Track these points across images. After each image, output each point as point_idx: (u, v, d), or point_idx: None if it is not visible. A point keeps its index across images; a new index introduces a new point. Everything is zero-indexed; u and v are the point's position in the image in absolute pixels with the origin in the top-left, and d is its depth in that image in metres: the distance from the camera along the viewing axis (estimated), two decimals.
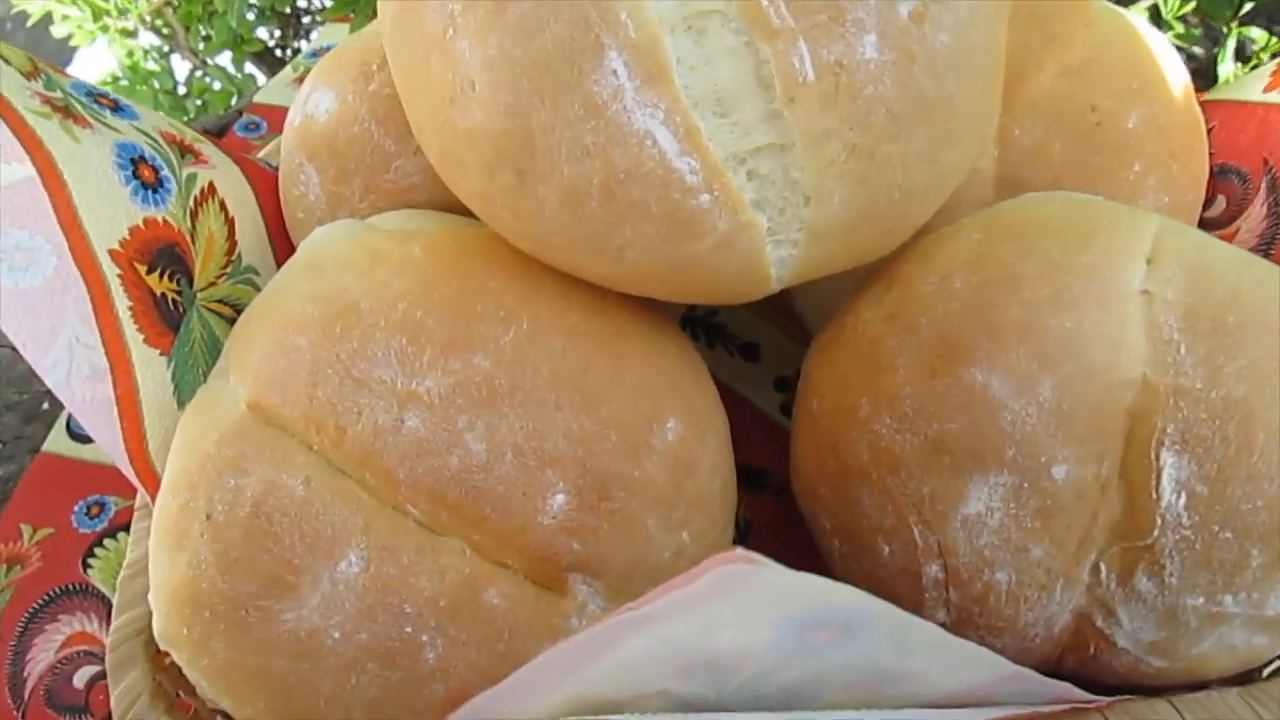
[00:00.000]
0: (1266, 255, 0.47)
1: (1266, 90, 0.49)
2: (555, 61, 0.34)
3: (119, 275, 0.43)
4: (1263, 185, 0.48)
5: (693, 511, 0.40)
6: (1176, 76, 0.48)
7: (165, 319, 0.45)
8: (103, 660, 0.48)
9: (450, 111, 0.37)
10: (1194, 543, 0.36)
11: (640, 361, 0.40)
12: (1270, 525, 0.35)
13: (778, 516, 0.53)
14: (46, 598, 0.57)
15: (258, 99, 0.74)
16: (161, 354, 0.44)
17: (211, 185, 0.50)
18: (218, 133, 0.72)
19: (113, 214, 0.43)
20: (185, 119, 0.96)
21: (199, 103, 1.03)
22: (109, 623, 0.49)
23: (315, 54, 0.79)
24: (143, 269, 0.44)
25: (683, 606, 0.29)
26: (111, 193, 0.44)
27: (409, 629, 0.37)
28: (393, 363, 0.38)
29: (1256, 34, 0.65)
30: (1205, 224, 0.50)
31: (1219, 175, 0.51)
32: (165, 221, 0.46)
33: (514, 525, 0.37)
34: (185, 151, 0.50)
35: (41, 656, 0.55)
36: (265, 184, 0.54)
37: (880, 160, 0.36)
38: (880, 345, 0.39)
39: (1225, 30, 0.66)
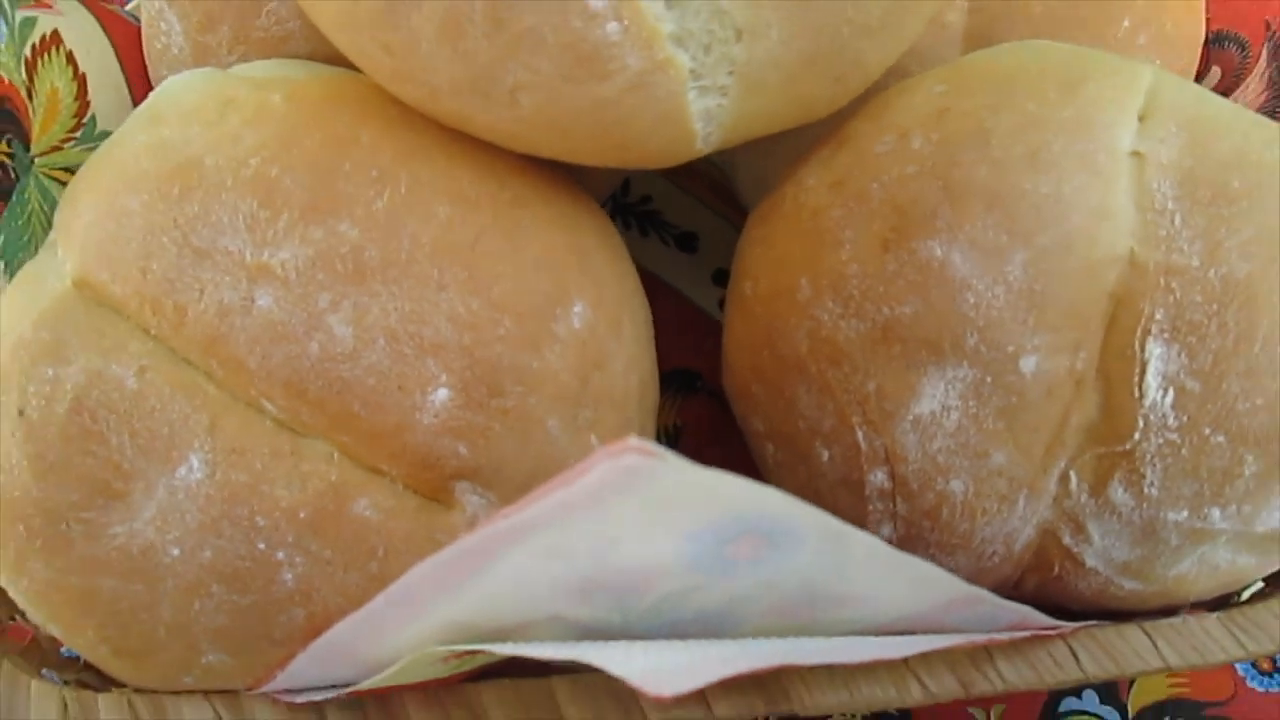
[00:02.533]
0: None
1: None
2: None
3: None
4: (1263, 52, 0.43)
5: (603, 411, 0.34)
6: None
7: None
8: None
9: None
10: (1180, 448, 0.31)
11: (542, 233, 0.34)
12: (1270, 428, 0.30)
13: (713, 421, 0.47)
14: None
15: None
16: None
17: (56, 34, 0.43)
18: None
19: None
20: None
21: None
22: None
23: None
24: None
25: (570, 512, 0.23)
26: None
27: (262, 545, 0.31)
28: (241, 230, 0.31)
29: None
30: None
31: (1214, 44, 0.45)
32: None
33: (388, 424, 0.32)
34: None
35: None
36: (129, 39, 0.47)
37: None
38: (824, 217, 0.34)
39: None
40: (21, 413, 0.31)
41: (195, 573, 0.31)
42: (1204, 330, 0.30)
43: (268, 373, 0.31)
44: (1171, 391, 0.30)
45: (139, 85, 0.46)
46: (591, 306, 0.34)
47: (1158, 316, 0.30)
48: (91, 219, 0.33)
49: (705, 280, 0.51)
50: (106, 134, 0.44)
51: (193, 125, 0.33)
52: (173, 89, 0.36)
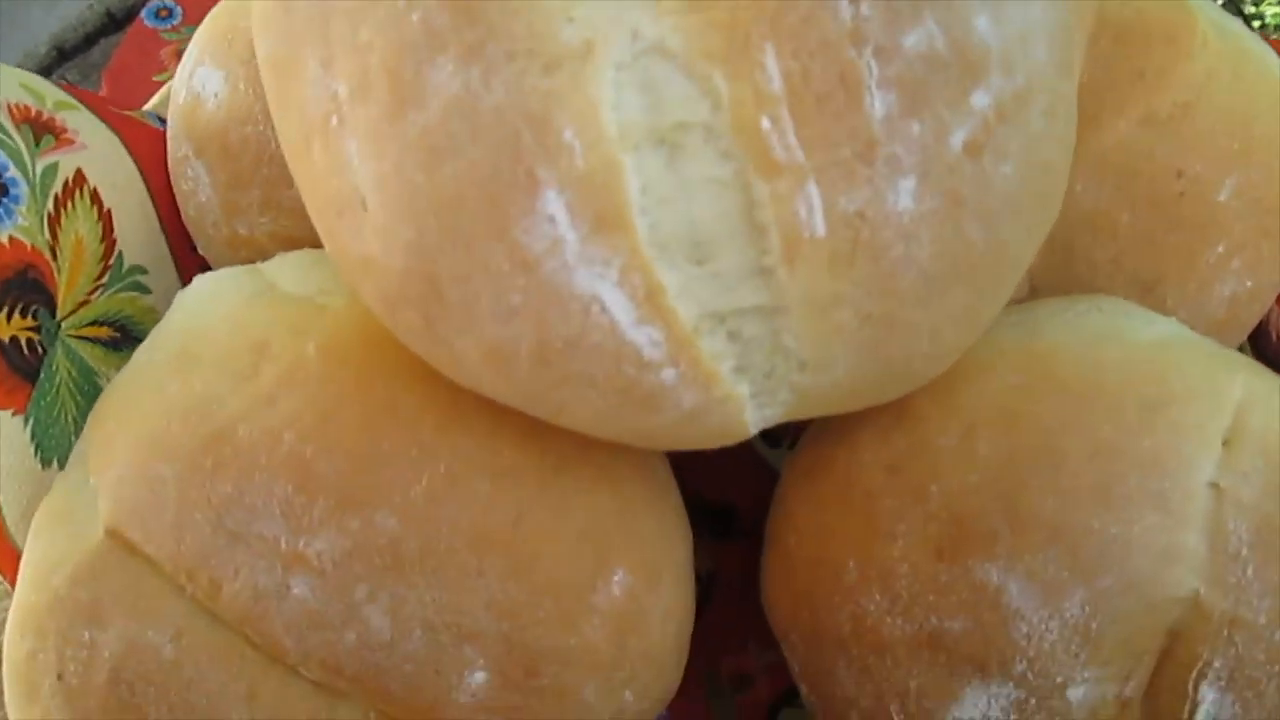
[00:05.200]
0: None
1: None
2: (470, 199, 0.25)
3: None
4: None
5: (639, 668, 0.34)
6: None
7: (18, 369, 0.37)
8: None
9: (338, 225, 0.28)
10: None
11: (586, 500, 0.33)
12: None
13: (748, 568, 0.47)
14: None
15: None
16: (15, 413, 0.37)
17: (79, 174, 0.40)
18: (123, 16, 0.60)
19: None
20: None
21: None
22: None
23: None
24: None
25: None
26: None
27: None
28: (276, 515, 0.30)
29: None
30: None
31: None
32: (14, 241, 0.37)
33: (424, 702, 0.31)
34: (42, 131, 0.40)
35: None
36: (155, 152, 0.44)
37: (902, 327, 0.27)
38: (877, 503, 0.32)
39: None
40: (60, 677, 0.32)
41: None
42: (1261, 688, 0.29)
43: (304, 654, 0.31)
44: None
45: (168, 205, 0.44)
46: (631, 570, 0.33)
47: (1215, 664, 0.29)
48: (123, 474, 0.32)
49: None
50: (136, 268, 0.43)
51: (224, 377, 0.32)
52: (201, 312, 0.34)
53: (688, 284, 0.26)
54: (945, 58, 0.25)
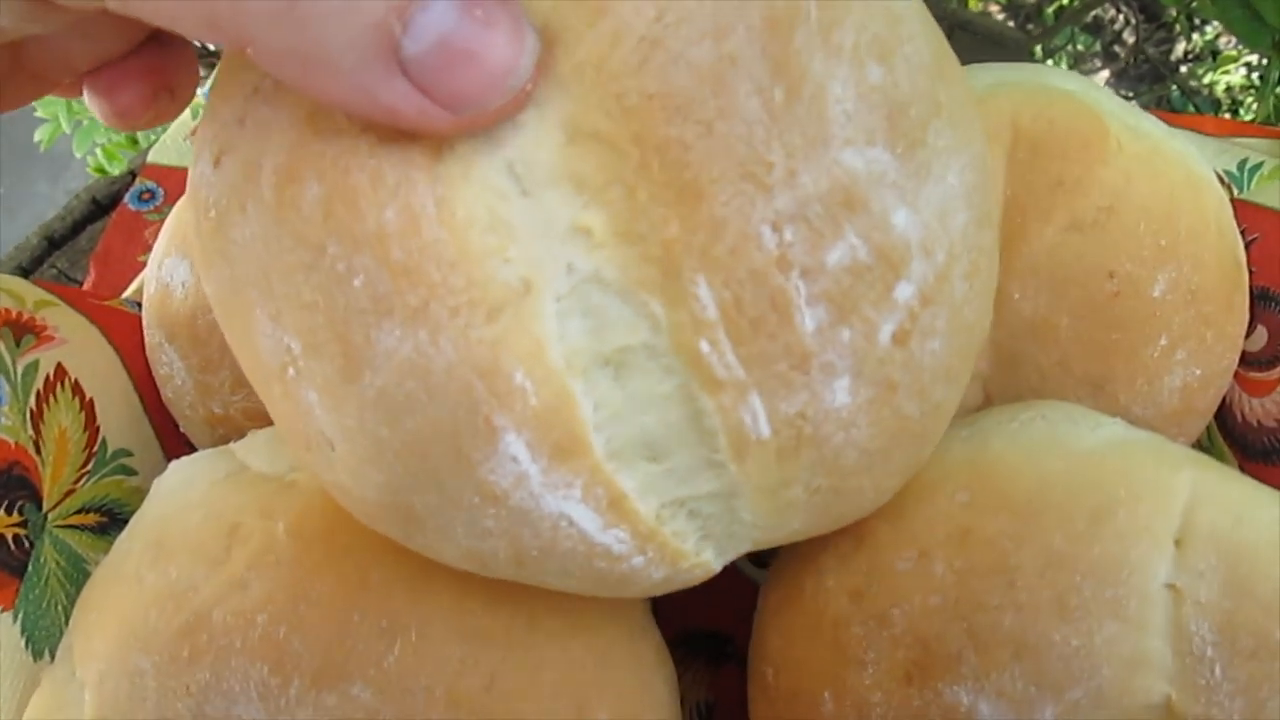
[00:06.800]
0: None
1: None
2: (434, 449, 0.26)
3: None
4: None
5: None
6: (1214, 214, 0.39)
7: (6, 565, 0.38)
8: None
9: (308, 456, 0.29)
10: None
11: (559, 654, 0.34)
12: None
13: (745, 694, 0.43)
14: None
15: (153, 158, 0.61)
16: (4, 609, 0.38)
17: (60, 368, 0.41)
18: (108, 203, 0.62)
19: None
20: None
21: None
22: None
23: None
24: None
25: None
26: None
27: None
28: (254, 699, 0.32)
29: None
30: (1244, 359, 0.43)
31: (1260, 300, 0.42)
32: None
33: None
34: (23, 332, 0.41)
35: None
36: (133, 338, 0.45)
37: (849, 491, 0.29)
38: (845, 631, 0.34)
39: None
40: None
41: None
42: None
43: None
44: None
45: (150, 392, 0.46)
46: (612, 713, 0.35)
47: None
48: (105, 668, 0.33)
49: None
50: (121, 451, 0.44)
51: (198, 564, 0.34)
52: (173, 500, 0.36)
53: (647, 481, 0.28)
54: (868, 263, 0.26)
